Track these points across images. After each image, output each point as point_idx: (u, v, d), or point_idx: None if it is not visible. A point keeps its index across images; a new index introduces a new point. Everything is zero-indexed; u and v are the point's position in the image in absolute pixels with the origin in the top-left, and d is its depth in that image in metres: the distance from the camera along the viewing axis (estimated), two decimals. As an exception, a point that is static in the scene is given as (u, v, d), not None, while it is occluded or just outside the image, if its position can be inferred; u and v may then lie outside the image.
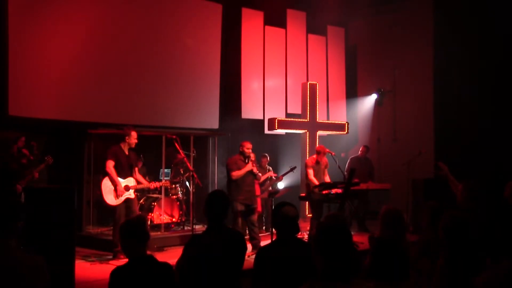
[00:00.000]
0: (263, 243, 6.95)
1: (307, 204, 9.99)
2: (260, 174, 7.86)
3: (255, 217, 7.36)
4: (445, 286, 3.18)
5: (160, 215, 8.40)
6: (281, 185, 9.45)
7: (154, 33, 9.44)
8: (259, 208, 8.77)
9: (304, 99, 10.63)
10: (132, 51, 9.16)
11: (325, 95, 11.86)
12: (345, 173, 8.47)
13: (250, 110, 10.78)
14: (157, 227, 8.32)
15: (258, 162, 9.23)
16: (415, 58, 11.08)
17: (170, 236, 8.12)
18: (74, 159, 8.68)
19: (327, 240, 2.26)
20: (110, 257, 6.90)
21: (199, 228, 8.29)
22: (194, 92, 9.98)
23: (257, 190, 8.50)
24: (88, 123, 8.50)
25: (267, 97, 11.04)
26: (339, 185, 7.72)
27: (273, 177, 9.26)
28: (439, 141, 10.46)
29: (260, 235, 7.66)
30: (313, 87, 10.69)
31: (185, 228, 8.70)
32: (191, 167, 7.75)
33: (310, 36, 11.82)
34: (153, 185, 7.41)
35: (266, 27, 11.09)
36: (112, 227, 7.37)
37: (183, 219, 8.79)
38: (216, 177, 9.60)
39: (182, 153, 7.43)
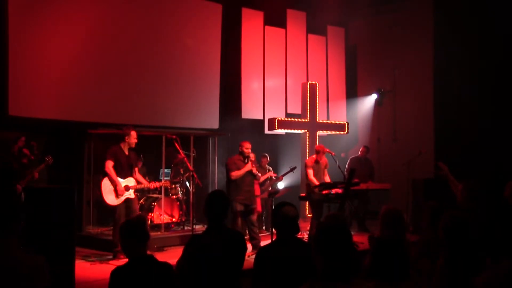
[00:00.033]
0: (263, 243, 6.95)
1: (307, 204, 10.00)
2: (259, 174, 7.85)
3: (254, 217, 7.36)
4: (445, 286, 3.18)
5: (160, 215, 8.40)
6: (281, 185, 9.45)
7: (154, 33, 9.44)
8: (259, 208, 8.78)
9: (304, 99, 10.64)
10: (132, 51, 9.16)
11: (325, 95, 11.86)
12: (345, 173, 8.47)
13: (250, 110, 10.78)
14: (157, 227, 8.32)
15: (258, 162, 9.23)
16: (415, 58, 11.08)
17: (170, 236, 8.12)
18: (74, 159, 8.68)
19: (327, 240, 2.26)
20: (110, 257, 6.90)
21: (199, 228, 8.29)
22: (194, 92, 9.98)
23: (257, 190, 8.51)
24: (88, 123, 8.50)
25: (267, 97, 11.04)
26: (339, 185, 7.72)
27: (273, 177, 9.26)
28: (439, 141, 10.46)
29: (260, 235, 7.66)
30: (313, 87, 10.69)
31: (185, 228, 8.70)
32: (191, 167, 7.75)
33: (310, 36, 11.82)
34: (153, 185, 7.41)
35: (266, 27, 11.09)
36: (112, 227, 7.37)
37: (183, 219, 8.79)
38: (216, 177, 9.60)
39: (182, 153, 7.43)
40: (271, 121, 10.21)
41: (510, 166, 8.42)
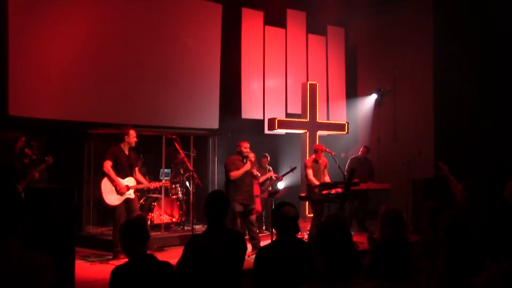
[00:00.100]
0: (263, 243, 6.95)
1: (307, 204, 10.00)
2: (259, 174, 7.85)
3: (254, 217, 7.36)
4: (445, 286, 3.18)
5: (160, 215, 8.40)
6: (281, 185, 9.45)
7: (154, 33, 9.44)
8: (259, 208, 8.78)
9: (304, 99, 10.64)
10: (132, 51, 9.16)
11: (325, 95, 11.86)
12: (345, 173, 8.47)
13: (250, 110, 10.78)
14: (157, 227, 8.32)
15: (259, 162, 9.23)
16: (415, 58, 11.08)
17: (170, 236, 8.12)
18: (74, 159, 8.68)
19: (327, 240, 2.26)
20: (110, 257, 6.90)
21: (199, 228, 8.29)
22: (194, 92, 9.98)
23: (257, 190, 8.51)
24: (88, 123, 8.50)
25: (267, 97, 11.04)
26: (339, 185, 7.72)
27: (273, 177, 9.27)
28: (439, 141, 10.46)
29: (260, 235, 7.66)
30: (313, 87, 10.69)
31: (185, 228, 8.70)
32: (191, 167, 7.76)
33: (310, 36, 11.82)
34: (153, 185, 7.40)
35: (266, 27, 11.09)
36: (112, 227, 7.37)
37: (183, 219, 8.79)
38: (216, 177, 9.60)
39: (182, 153, 7.43)
40: (271, 121, 10.21)
41: (510, 166, 8.42)
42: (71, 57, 8.44)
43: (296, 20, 11.56)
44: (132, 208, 7.01)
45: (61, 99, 8.37)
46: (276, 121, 10.10)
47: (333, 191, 7.75)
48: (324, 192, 7.76)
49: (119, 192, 6.92)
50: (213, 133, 9.96)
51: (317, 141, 10.33)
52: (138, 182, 7.20)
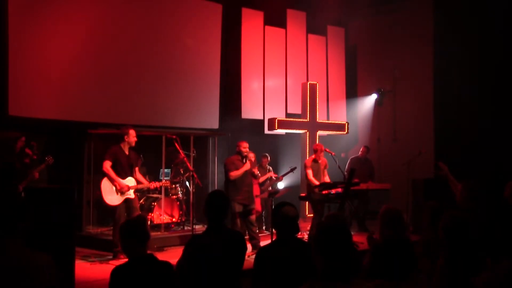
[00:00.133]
0: (263, 243, 6.95)
1: (307, 204, 10.00)
2: (259, 174, 7.85)
3: (253, 217, 7.37)
4: (445, 286, 3.18)
5: (160, 215, 8.40)
6: (281, 185, 9.45)
7: (154, 33, 9.44)
8: (259, 208, 8.78)
9: (304, 99, 10.64)
10: (132, 51, 9.16)
11: (325, 95, 11.86)
12: (345, 173, 8.47)
13: (250, 110, 10.78)
14: (157, 227, 8.32)
15: (259, 162, 9.24)
16: (415, 58, 11.08)
17: (170, 236, 8.12)
18: (74, 159, 8.68)
19: (327, 240, 2.26)
20: (110, 257, 6.90)
21: (199, 228, 8.29)
22: (194, 92, 9.98)
23: (256, 190, 8.52)
24: (88, 123, 8.50)
25: (267, 97, 11.04)
26: (339, 185, 7.73)
27: (273, 177, 9.27)
28: (439, 141, 10.46)
29: (260, 235, 7.66)
30: (313, 87, 10.69)
31: (185, 228, 8.70)
32: (191, 167, 7.76)
33: (310, 36, 11.82)
34: (153, 185, 7.40)
35: (266, 27, 11.09)
36: (112, 227, 7.37)
37: (183, 219, 8.79)
38: (216, 177, 9.60)
39: (182, 153, 7.43)
40: (271, 121, 10.21)
41: (510, 166, 8.42)
42: (71, 57, 8.44)
43: (296, 20, 11.56)
44: (132, 208, 7.01)
45: (61, 99, 8.37)
46: (276, 121, 10.10)
47: (333, 191, 7.74)
48: (324, 192, 7.77)
49: (120, 190, 6.92)
50: (213, 133, 9.96)
51: (317, 141, 10.32)
52: (138, 182, 7.19)
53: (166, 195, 8.61)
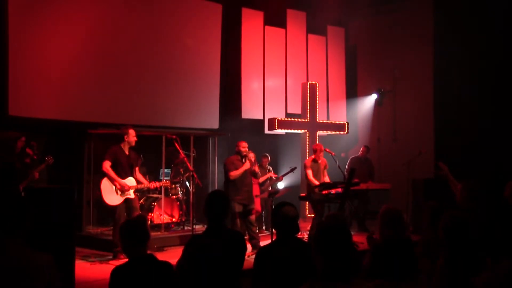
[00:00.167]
0: (263, 243, 6.95)
1: (307, 204, 10.00)
2: (259, 172, 7.85)
3: (253, 217, 7.37)
4: (445, 286, 3.18)
5: (160, 215, 8.40)
6: (281, 185, 9.46)
7: (154, 33, 9.44)
8: (259, 208, 8.78)
9: (304, 99, 10.64)
10: (132, 51, 9.16)
11: (325, 95, 11.86)
12: (345, 173, 8.47)
13: (250, 110, 10.78)
14: (157, 227, 8.32)
15: (259, 162, 9.24)
16: (415, 58, 11.08)
17: (170, 236, 8.12)
18: (74, 159, 8.68)
19: (327, 240, 2.26)
20: (110, 257, 6.90)
21: (199, 228, 8.29)
22: (194, 92, 9.98)
23: (256, 190, 8.52)
24: (88, 123, 8.50)
25: (267, 97, 11.04)
26: (339, 185, 7.73)
27: (273, 177, 9.27)
28: (439, 141, 10.46)
29: (260, 235, 7.66)
30: (313, 87, 10.70)
31: (185, 228, 8.70)
32: (191, 167, 7.76)
33: (310, 36, 11.82)
34: (153, 185, 7.40)
35: (266, 27, 11.09)
36: (112, 227, 7.37)
37: (183, 219, 8.79)
38: (216, 177, 9.60)
39: (182, 153, 7.43)
40: (271, 121, 10.21)
41: (510, 166, 8.42)
42: (71, 57, 8.44)
43: (296, 20, 11.56)
44: (132, 208, 7.01)
45: (61, 99, 8.37)
46: (276, 121, 10.10)
47: (333, 191, 7.74)
48: (324, 192, 7.77)
49: (121, 189, 6.91)
50: (213, 133, 9.96)
51: (317, 141, 10.33)
52: (138, 182, 7.19)
53: (166, 195, 8.61)
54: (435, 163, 7.23)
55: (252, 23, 10.88)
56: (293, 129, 10.40)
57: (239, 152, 7.33)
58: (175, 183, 8.96)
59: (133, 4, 9.26)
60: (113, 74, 8.97)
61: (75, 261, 5.45)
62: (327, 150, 8.39)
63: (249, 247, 6.57)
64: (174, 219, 8.63)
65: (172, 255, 6.31)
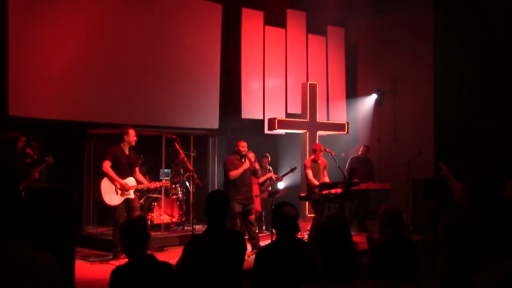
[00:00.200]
0: (263, 243, 6.95)
1: (307, 204, 10.00)
2: (259, 171, 7.85)
3: (253, 217, 7.37)
4: (445, 286, 3.18)
5: (160, 215, 8.40)
6: (281, 185, 9.46)
7: (154, 33, 9.44)
8: (258, 208, 8.78)
9: (304, 99, 10.64)
10: (132, 51, 9.16)
11: (325, 95, 11.87)
12: (345, 173, 8.47)
13: (250, 110, 10.78)
14: (157, 227, 8.32)
15: (259, 162, 9.23)
16: (415, 58, 11.08)
17: (170, 236, 8.12)
18: (74, 159, 8.68)
19: (327, 240, 2.26)
20: (110, 257, 6.90)
21: (199, 228, 8.29)
22: (194, 92, 9.98)
23: (256, 190, 8.52)
24: (88, 123, 8.50)
25: (267, 97, 11.04)
26: (339, 185, 7.73)
27: (273, 177, 9.27)
28: (439, 141, 10.46)
29: (260, 235, 7.66)
30: (313, 87, 10.70)
31: (185, 228, 8.70)
32: (191, 167, 7.76)
33: (310, 36, 11.82)
34: (153, 185, 7.40)
35: (266, 27, 11.09)
36: (112, 227, 7.37)
37: (183, 219, 8.79)
38: (216, 177, 9.60)
39: (182, 153, 7.43)
40: (271, 121, 10.21)
41: (510, 166, 8.42)
42: (71, 57, 8.44)
43: (296, 20, 11.56)
44: (132, 208, 7.01)
45: (61, 99, 8.37)
46: (276, 121, 10.10)
47: (333, 191, 7.74)
48: (324, 192, 7.77)
49: (122, 190, 6.91)
50: (213, 133, 9.96)
51: (317, 141, 10.33)
52: (138, 182, 7.19)
53: (166, 195, 8.61)
54: (435, 163, 7.23)
55: (252, 23, 10.88)
56: (293, 129, 10.40)
57: (238, 152, 7.34)
58: (175, 183, 8.96)
59: (133, 4, 9.26)
60: (113, 74, 8.97)
61: (75, 261, 5.45)
62: (327, 150, 8.39)
63: (249, 247, 6.57)
64: (174, 219, 8.63)
65: (172, 255, 6.32)
